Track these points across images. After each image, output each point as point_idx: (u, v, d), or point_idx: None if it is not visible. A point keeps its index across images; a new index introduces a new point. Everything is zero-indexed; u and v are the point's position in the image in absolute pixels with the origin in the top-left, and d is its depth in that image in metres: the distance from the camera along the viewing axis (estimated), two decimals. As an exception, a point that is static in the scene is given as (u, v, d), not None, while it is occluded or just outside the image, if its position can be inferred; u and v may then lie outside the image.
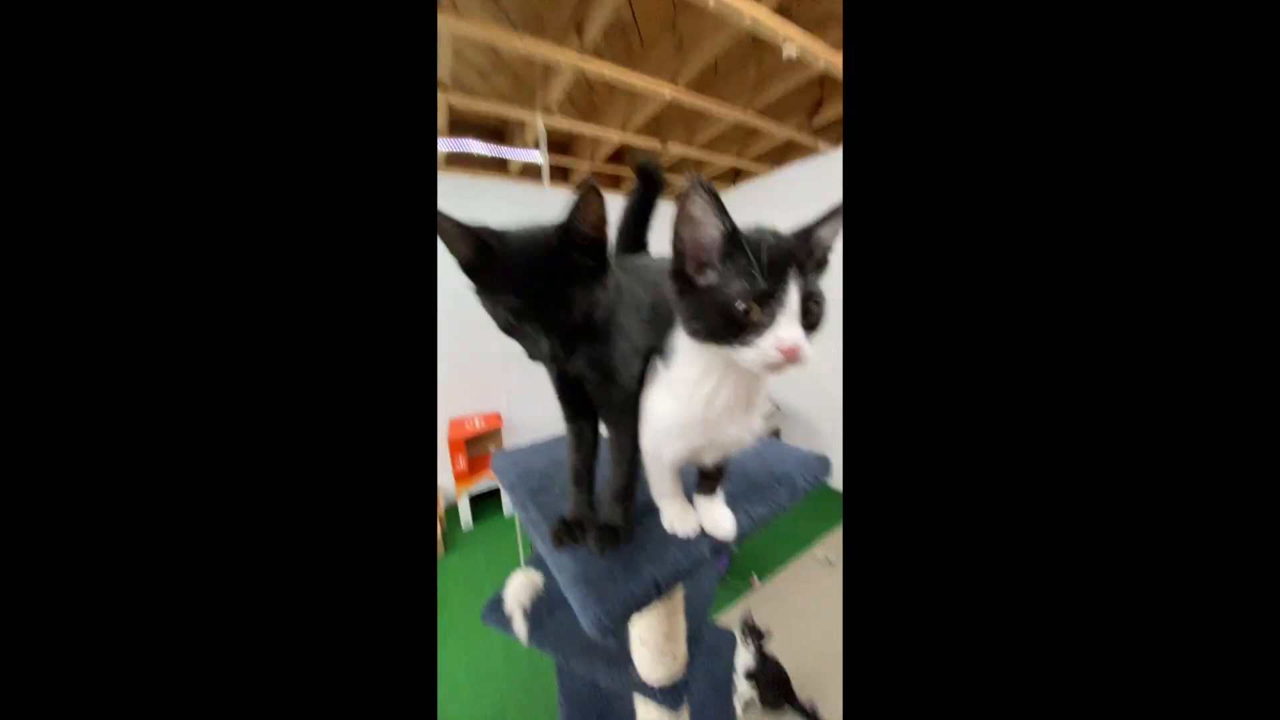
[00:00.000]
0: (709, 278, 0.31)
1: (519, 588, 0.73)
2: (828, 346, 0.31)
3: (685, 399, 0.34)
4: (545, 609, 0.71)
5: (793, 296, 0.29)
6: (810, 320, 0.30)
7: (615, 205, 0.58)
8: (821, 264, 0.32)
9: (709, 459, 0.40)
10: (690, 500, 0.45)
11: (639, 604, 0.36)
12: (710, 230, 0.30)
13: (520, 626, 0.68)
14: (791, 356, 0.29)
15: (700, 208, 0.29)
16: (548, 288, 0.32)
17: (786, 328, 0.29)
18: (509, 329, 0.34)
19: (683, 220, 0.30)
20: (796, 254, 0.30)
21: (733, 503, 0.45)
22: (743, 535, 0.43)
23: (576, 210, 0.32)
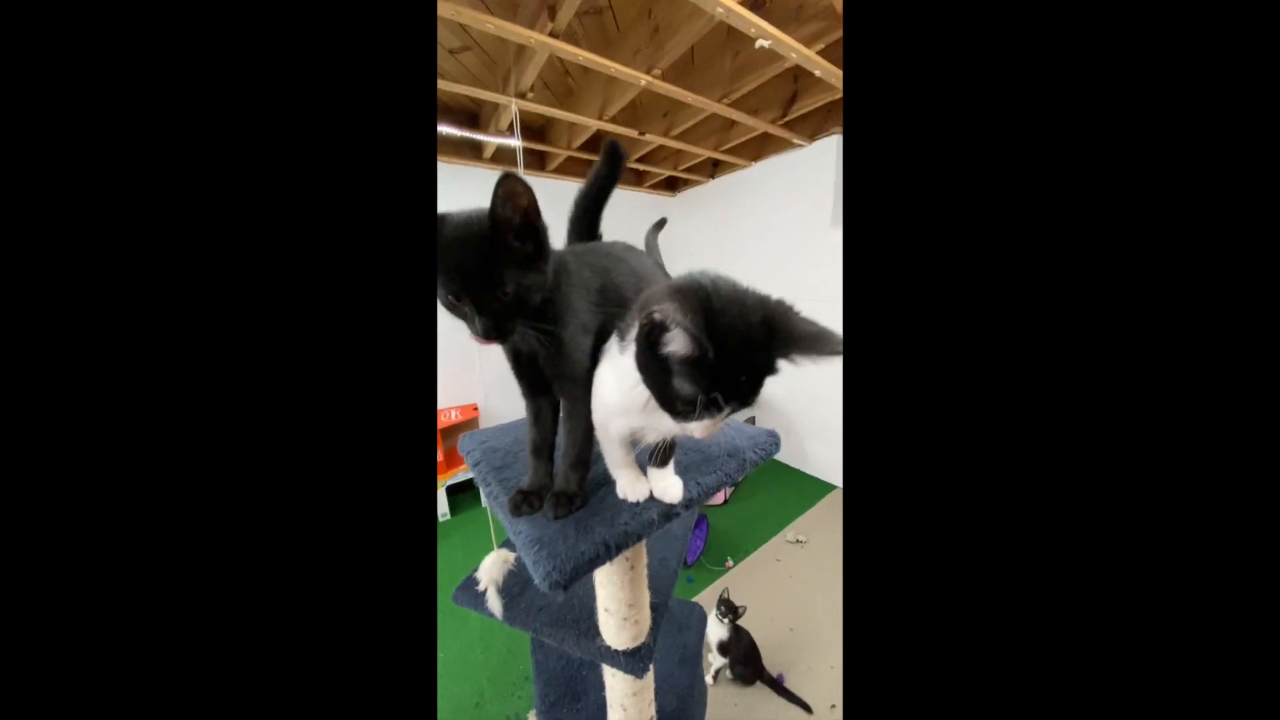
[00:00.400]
0: (666, 345, 0.30)
1: (491, 565, 0.74)
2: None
3: (629, 386, 0.36)
4: (518, 587, 0.73)
5: (721, 414, 0.31)
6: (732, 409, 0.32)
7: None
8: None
9: (650, 439, 0.43)
10: (645, 471, 0.47)
11: (590, 563, 0.38)
12: (686, 343, 0.29)
13: (495, 603, 0.69)
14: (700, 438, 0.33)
15: (680, 333, 0.29)
16: (480, 270, 0.34)
17: (702, 429, 0.32)
18: (451, 308, 0.36)
19: (666, 315, 0.29)
20: (745, 385, 0.30)
21: (684, 473, 0.48)
22: (691, 502, 0.46)
23: (497, 196, 0.33)
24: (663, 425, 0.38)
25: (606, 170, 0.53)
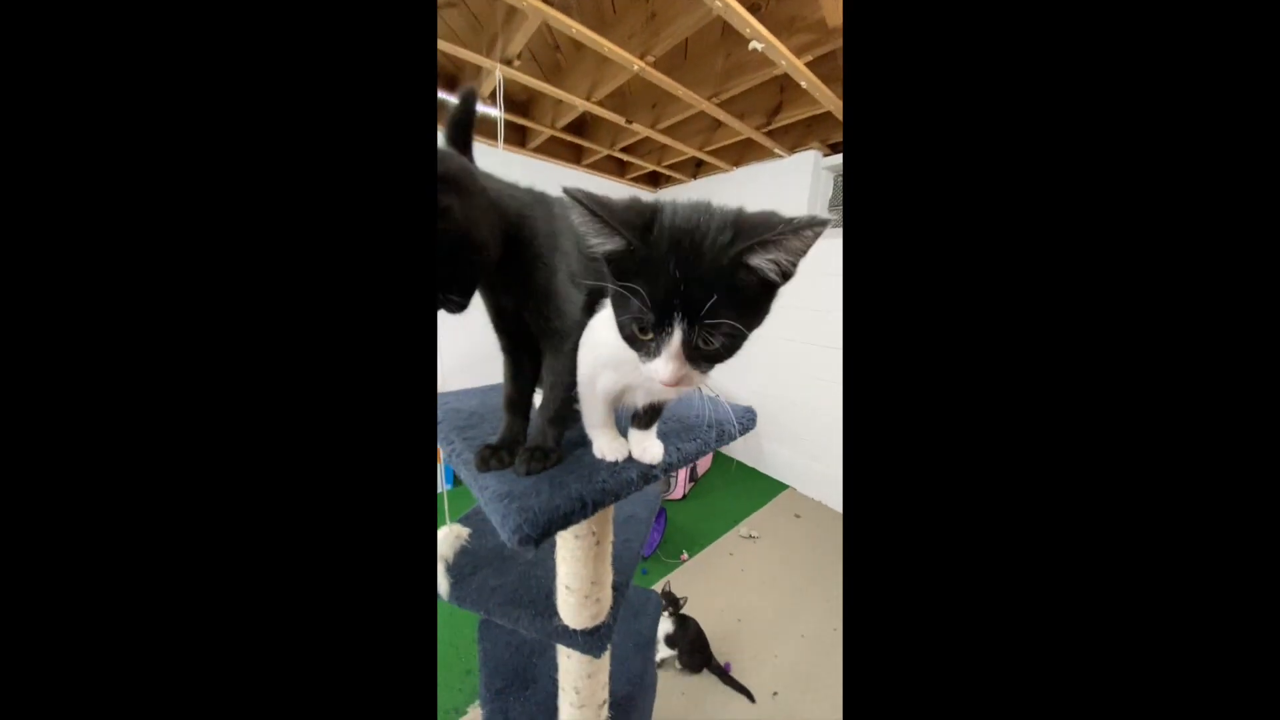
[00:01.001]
0: (592, 242, 0.29)
1: (440, 541, 0.69)
2: (768, 344, 0.31)
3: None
4: (470, 565, 0.69)
5: (675, 338, 0.28)
6: (705, 355, 0.29)
7: (573, 177, 0.55)
8: (739, 294, 0.27)
9: (639, 401, 0.41)
10: (625, 436, 0.46)
11: (564, 518, 0.36)
12: (597, 229, 0.27)
13: (441, 581, 0.65)
14: (669, 385, 0.29)
15: (581, 217, 0.27)
16: None
17: (664, 366, 0.29)
18: None
19: (569, 191, 0.27)
20: (690, 292, 0.27)
21: (665, 439, 0.47)
22: (670, 466, 0.45)
23: None
24: (650, 384, 0.37)
25: (461, 109, 0.47)
